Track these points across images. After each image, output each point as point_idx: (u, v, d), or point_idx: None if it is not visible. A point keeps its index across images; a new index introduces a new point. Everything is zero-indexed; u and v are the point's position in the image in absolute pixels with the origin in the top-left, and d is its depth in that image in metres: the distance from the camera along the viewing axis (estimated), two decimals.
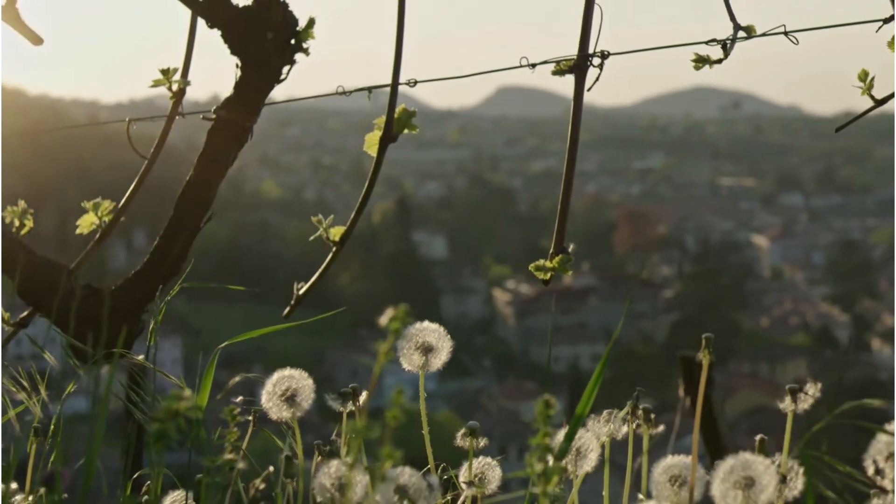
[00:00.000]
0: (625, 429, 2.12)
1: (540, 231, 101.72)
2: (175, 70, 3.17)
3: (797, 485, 1.84)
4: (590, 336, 76.46)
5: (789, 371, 68.86)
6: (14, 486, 1.93)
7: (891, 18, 2.48)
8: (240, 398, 2.01)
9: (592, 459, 2.06)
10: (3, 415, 2.39)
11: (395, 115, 2.89)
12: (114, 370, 1.92)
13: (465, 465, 2.15)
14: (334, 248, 2.99)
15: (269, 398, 2.13)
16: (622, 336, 77.46)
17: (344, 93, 3.10)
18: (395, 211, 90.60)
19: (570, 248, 2.69)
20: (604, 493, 2.14)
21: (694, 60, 2.54)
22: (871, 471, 1.76)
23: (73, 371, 2.38)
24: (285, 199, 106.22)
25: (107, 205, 3.21)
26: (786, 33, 2.51)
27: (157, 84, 3.15)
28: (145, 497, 2.14)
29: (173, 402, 1.37)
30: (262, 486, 1.97)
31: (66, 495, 1.74)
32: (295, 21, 2.90)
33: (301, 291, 3.02)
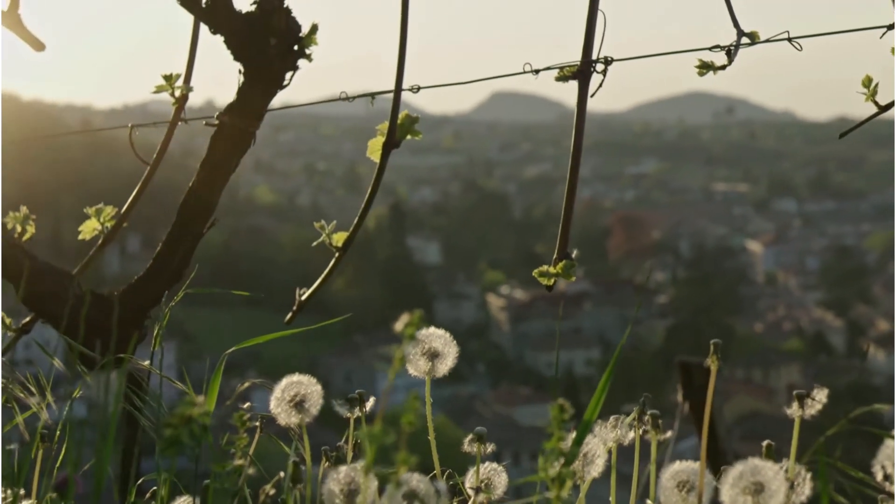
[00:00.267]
0: (631, 434, 2.12)
1: (534, 236, 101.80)
2: (178, 76, 3.17)
3: (804, 490, 1.85)
4: (584, 341, 76.50)
5: (783, 376, 68.91)
6: (21, 491, 1.93)
7: (891, 26, 2.48)
8: (247, 404, 2.01)
9: (599, 465, 2.06)
10: (1, 419, 2.39)
11: (398, 121, 2.90)
12: (123, 376, 1.92)
13: (472, 471, 2.15)
14: (337, 254, 2.99)
15: (278, 404, 2.13)
16: (616, 341, 77.45)
17: (347, 98, 3.10)
18: (390, 216, 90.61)
19: (574, 253, 2.70)
20: (611, 500, 2.14)
21: (698, 66, 2.55)
22: (879, 476, 1.76)
23: (76, 376, 2.38)
24: (279, 205, 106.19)
25: (109, 210, 3.21)
26: (789, 39, 2.52)
27: (159, 90, 3.15)
28: (152, 503, 2.14)
29: (186, 408, 1.37)
30: (272, 492, 1.97)
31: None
32: (298, 27, 2.90)
33: (304, 297, 3.02)
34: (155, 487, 2.11)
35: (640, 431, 2.15)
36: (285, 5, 2.89)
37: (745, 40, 2.55)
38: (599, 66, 2.68)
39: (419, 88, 2.97)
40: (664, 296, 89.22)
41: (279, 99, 3.11)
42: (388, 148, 2.91)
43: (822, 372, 66.49)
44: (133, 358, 2.61)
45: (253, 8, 2.88)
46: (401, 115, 2.90)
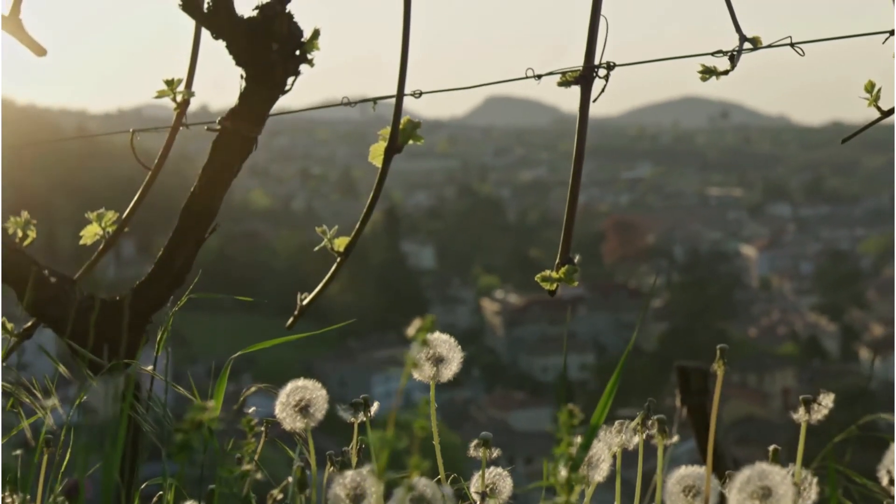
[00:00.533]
0: (636, 439, 2.12)
1: (528, 241, 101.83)
2: (179, 81, 3.17)
3: (811, 495, 1.85)
4: (579, 346, 76.47)
5: (777, 381, 68.93)
6: (25, 496, 1.93)
7: (892, 32, 2.48)
8: (252, 408, 2.01)
9: (604, 469, 2.07)
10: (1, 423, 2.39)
11: (400, 126, 2.90)
12: (132, 382, 1.92)
13: (477, 476, 2.15)
14: (339, 259, 2.99)
15: (283, 409, 2.13)
16: (610, 346, 77.55)
17: (349, 104, 3.11)
18: (384, 221, 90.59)
19: (576, 258, 2.70)
20: None
21: (700, 72, 2.55)
22: (885, 481, 1.76)
23: (83, 381, 2.38)
24: (274, 209, 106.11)
25: (110, 215, 3.21)
26: (792, 45, 2.52)
27: (161, 95, 3.15)
28: None
29: (197, 413, 1.37)
30: (279, 497, 1.97)
31: None
32: (300, 32, 2.91)
33: (305, 302, 3.02)
34: (161, 492, 2.11)
35: (644, 436, 2.15)
36: (287, 10, 2.89)
37: (747, 45, 2.56)
38: (602, 72, 2.69)
39: (421, 93, 2.97)
40: (659, 300, 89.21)
41: (279, 104, 3.12)
42: (390, 153, 2.92)
43: (816, 376, 66.55)
44: (136, 363, 2.61)
45: (255, 13, 2.89)
46: (403, 120, 2.90)
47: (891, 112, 2.47)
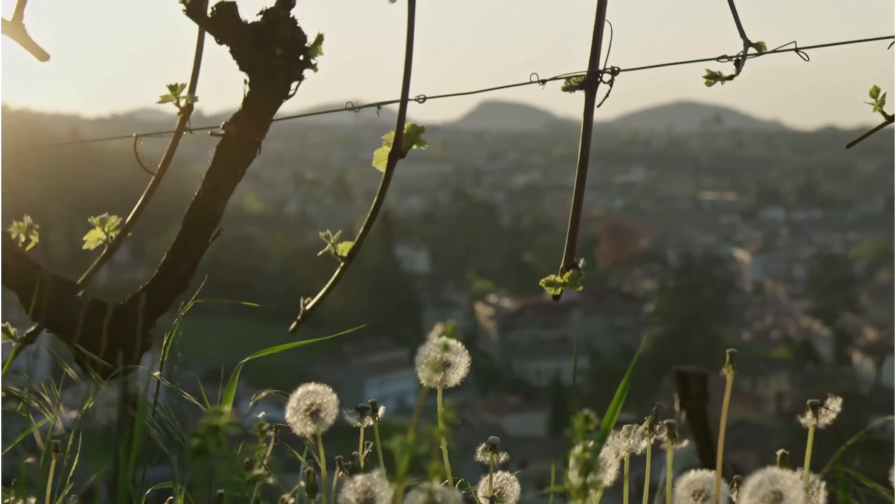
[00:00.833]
0: (644, 443, 2.13)
1: (522, 245, 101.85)
2: (182, 86, 3.18)
3: (819, 499, 1.85)
4: (572, 350, 76.36)
5: (771, 385, 68.94)
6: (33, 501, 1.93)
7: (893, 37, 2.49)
8: (262, 413, 2.01)
9: (612, 474, 2.07)
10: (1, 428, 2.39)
11: (405, 131, 2.91)
12: (146, 388, 1.92)
13: (484, 480, 2.16)
14: (342, 263, 3.00)
15: (294, 413, 2.13)
16: (604, 350, 77.56)
17: (352, 108, 3.11)
18: (378, 225, 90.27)
19: (581, 263, 2.71)
20: None
21: (706, 77, 2.56)
22: None
23: (92, 386, 2.38)
24: (267, 214, 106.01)
25: (113, 220, 3.21)
26: (797, 49, 2.53)
27: (164, 100, 3.16)
28: None
29: (213, 418, 1.38)
30: (291, 501, 1.97)
31: None
32: (304, 37, 2.91)
33: (308, 307, 3.03)
34: (171, 497, 2.11)
35: (652, 440, 2.15)
36: (291, 16, 2.90)
37: (751, 50, 2.56)
38: (606, 77, 2.69)
39: (425, 98, 2.98)
40: (653, 304, 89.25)
41: (280, 108, 3.12)
42: (394, 158, 2.93)
43: (809, 380, 66.59)
44: (143, 367, 2.61)
45: (259, 18, 2.89)
46: (407, 125, 2.91)
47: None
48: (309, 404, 2.13)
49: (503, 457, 2.15)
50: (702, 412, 5.17)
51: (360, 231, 2.99)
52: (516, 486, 2.17)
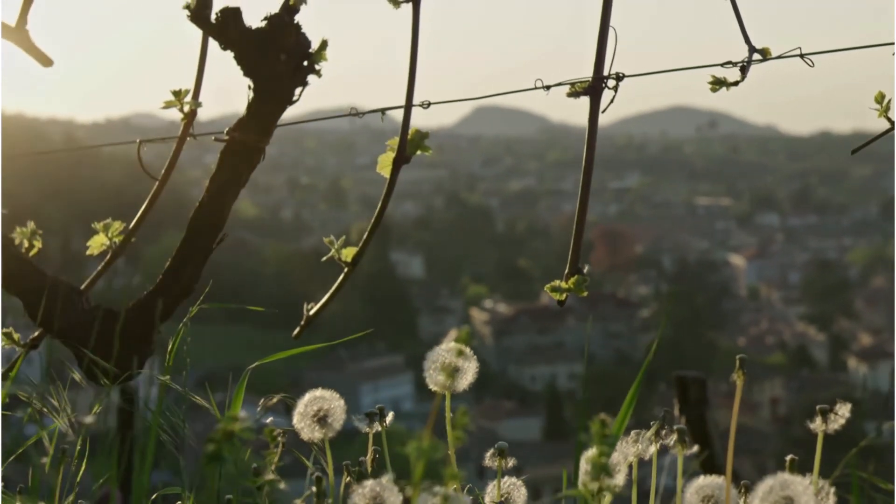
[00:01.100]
0: (652, 448, 2.13)
1: (517, 251, 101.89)
2: (186, 91, 3.18)
3: None
4: (567, 355, 76.47)
5: (766, 390, 68.99)
6: None
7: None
8: (270, 418, 2.02)
9: (620, 479, 2.07)
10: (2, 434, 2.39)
11: (409, 137, 2.91)
12: (162, 393, 1.92)
13: (492, 485, 2.16)
14: (346, 269, 3.00)
15: (301, 419, 2.14)
16: (599, 355, 77.55)
17: (356, 114, 3.11)
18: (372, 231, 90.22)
19: (585, 269, 2.71)
20: None
21: (711, 83, 2.56)
22: None
23: (99, 391, 2.38)
24: (262, 219, 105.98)
25: (117, 225, 3.21)
26: (801, 56, 2.53)
27: (168, 105, 3.15)
28: None
29: (228, 424, 1.38)
30: None
31: None
32: (308, 43, 2.91)
33: (312, 312, 3.03)
34: (179, 502, 2.11)
35: (659, 446, 2.16)
36: (296, 22, 2.90)
37: (756, 56, 2.57)
38: (611, 83, 2.70)
39: (429, 104, 2.98)
40: (647, 310, 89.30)
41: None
42: (398, 163, 2.93)
43: (804, 386, 66.64)
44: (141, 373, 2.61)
45: (263, 24, 2.89)
46: (411, 131, 2.91)
47: None
48: (316, 410, 2.14)
49: (511, 462, 2.15)
50: (702, 418, 5.17)
51: (364, 236, 2.99)
52: (523, 491, 2.17)
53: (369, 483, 1.82)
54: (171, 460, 2.28)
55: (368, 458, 2.26)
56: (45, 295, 2.91)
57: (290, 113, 3.19)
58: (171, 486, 2.24)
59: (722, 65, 2.59)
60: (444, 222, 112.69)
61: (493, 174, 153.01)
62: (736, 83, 2.56)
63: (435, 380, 2.22)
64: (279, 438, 2.02)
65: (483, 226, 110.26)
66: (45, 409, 2.29)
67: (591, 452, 1.51)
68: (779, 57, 2.55)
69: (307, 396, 2.15)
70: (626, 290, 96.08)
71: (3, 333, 3.12)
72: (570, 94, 2.72)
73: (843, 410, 2.00)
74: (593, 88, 2.69)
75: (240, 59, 2.91)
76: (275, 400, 2.21)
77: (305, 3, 2.88)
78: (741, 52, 2.60)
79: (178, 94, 3.15)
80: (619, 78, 2.70)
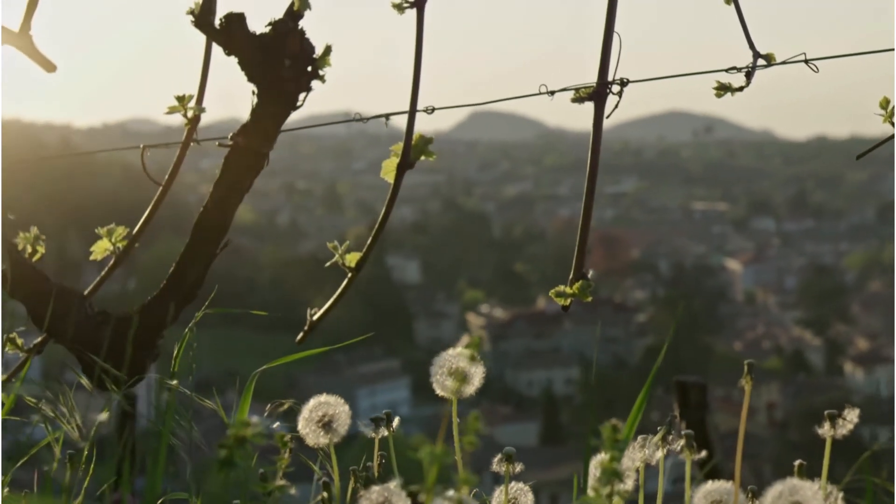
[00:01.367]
0: (659, 454, 2.13)
1: (513, 255, 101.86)
2: (190, 97, 3.18)
3: None
4: (563, 360, 76.46)
5: (762, 395, 68.97)
6: None
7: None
8: (276, 423, 2.02)
9: (629, 484, 2.07)
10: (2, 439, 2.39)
11: (413, 142, 2.91)
12: (173, 398, 1.92)
13: (499, 490, 2.16)
14: (350, 274, 3.00)
15: (306, 424, 2.14)
16: (596, 360, 77.52)
17: (361, 119, 3.11)
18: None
19: (590, 274, 2.71)
20: None
21: (716, 88, 2.56)
22: None
23: (105, 396, 2.38)
24: (258, 224, 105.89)
25: (121, 231, 3.21)
26: (806, 61, 2.53)
27: (172, 111, 3.16)
28: None
29: (240, 429, 1.38)
30: None
31: None
32: (312, 49, 2.92)
33: (316, 317, 3.03)
34: None
35: (665, 451, 2.16)
36: (300, 27, 2.90)
37: (761, 62, 2.57)
38: (615, 88, 2.70)
39: (433, 109, 2.98)
40: (643, 314, 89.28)
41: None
42: (402, 169, 2.93)
43: (801, 390, 66.66)
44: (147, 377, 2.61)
45: (267, 30, 2.89)
46: (415, 136, 2.92)
47: None
48: (321, 415, 2.14)
49: (519, 467, 2.15)
50: (702, 423, 5.18)
51: (368, 242, 3.00)
52: (530, 496, 2.17)
53: (377, 488, 1.83)
54: (174, 465, 2.28)
55: (375, 463, 2.26)
56: (51, 301, 2.91)
57: (289, 118, 3.20)
58: (171, 492, 2.24)
59: (727, 70, 2.59)
60: (441, 227, 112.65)
61: (489, 179, 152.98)
62: (741, 88, 2.57)
63: (444, 385, 2.22)
64: (289, 444, 2.02)
65: (479, 230, 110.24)
66: (53, 413, 2.29)
67: (602, 457, 1.52)
68: (783, 62, 2.56)
69: (312, 402, 2.15)
70: (623, 294, 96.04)
71: (8, 339, 3.12)
72: (574, 100, 2.72)
73: (852, 416, 2.00)
74: (598, 94, 2.70)
75: (244, 65, 2.92)
76: (286, 406, 2.21)
77: (310, 8, 2.89)
78: (741, 55, 2.61)
79: (181, 100, 3.16)
80: (623, 83, 2.70)
